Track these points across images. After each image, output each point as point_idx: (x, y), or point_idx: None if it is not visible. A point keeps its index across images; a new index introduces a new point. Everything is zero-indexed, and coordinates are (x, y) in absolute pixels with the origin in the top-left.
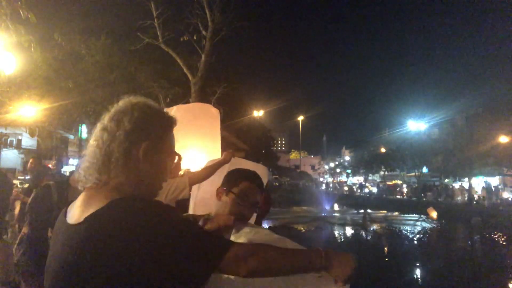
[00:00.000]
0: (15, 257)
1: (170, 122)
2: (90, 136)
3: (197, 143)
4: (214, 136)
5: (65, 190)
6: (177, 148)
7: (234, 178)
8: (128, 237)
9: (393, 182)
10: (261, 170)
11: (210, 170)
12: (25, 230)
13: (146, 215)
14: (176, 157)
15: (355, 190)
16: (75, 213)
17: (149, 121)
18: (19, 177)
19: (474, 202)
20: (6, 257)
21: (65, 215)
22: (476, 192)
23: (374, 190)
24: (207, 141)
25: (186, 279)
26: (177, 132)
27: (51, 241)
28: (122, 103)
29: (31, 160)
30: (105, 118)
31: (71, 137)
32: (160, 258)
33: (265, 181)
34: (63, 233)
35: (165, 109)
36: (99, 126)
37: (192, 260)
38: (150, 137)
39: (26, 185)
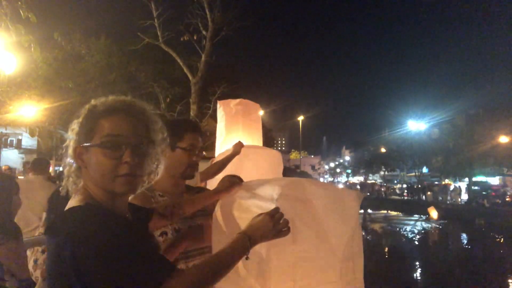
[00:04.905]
0: (33, 256)
1: (96, 121)
2: None
3: (248, 138)
4: (260, 135)
5: None
6: (235, 139)
7: (177, 132)
8: (78, 251)
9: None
10: (275, 155)
11: (221, 164)
12: (41, 230)
13: (84, 229)
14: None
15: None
16: None
17: (87, 124)
18: (19, 177)
19: (474, 203)
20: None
21: None
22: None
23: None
24: (257, 138)
25: None
26: (237, 123)
27: None
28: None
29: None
30: None
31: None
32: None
33: (280, 166)
34: None
35: (228, 100)
36: None
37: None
38: (80, 140)
39: None
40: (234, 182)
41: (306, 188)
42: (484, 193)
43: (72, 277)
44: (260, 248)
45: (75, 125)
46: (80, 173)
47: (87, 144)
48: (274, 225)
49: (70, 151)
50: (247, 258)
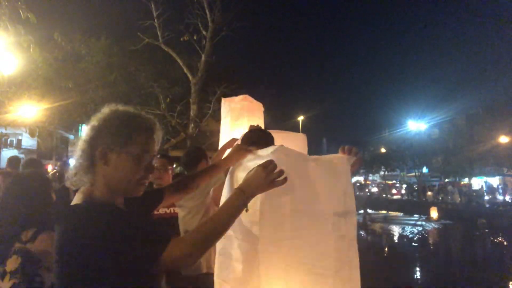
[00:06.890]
0: None
1: (141, 127)
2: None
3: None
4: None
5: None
6: (241, 133)
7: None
8: (78, 243)
9: None
10: (298, 138)
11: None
12: None
13: (91, 225)
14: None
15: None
16: None
17: (110, 127)
18: None
19: (474, 203)
20: None
21: None
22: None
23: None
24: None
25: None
26: (242, 117)
27: None
28: (98, 114)
29: None
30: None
31: (71, 137)
32: (105, 261)
33: (305, 149)
34: None
35: (232, 97)
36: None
37: (130, 262)
38: (108, 142)
39: None
40: (243, 149)
41: (300, 152)
42: None
43: (73, 264)
44: (255, 200)
45: (105, 127)
46: (90, 170)
47: (122, 149)
48: (267, 175)
49: (92, 148)
50: (246, 211)
